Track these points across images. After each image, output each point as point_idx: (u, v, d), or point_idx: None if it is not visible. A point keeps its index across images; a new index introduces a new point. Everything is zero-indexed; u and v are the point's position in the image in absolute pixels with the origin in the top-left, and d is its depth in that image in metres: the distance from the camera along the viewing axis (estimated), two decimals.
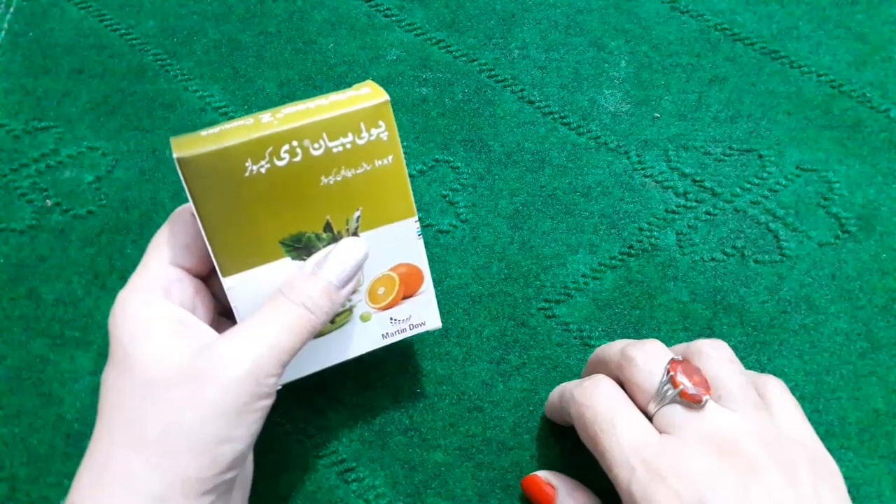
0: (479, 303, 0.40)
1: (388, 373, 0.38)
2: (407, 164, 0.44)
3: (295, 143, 0.29)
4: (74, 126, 0.46)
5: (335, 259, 0.30)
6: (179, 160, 0.28)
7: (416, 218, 0.32)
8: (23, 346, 0.39)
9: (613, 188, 0.43)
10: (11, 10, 0.51)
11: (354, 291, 0.32)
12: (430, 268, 0.41)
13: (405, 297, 0.33)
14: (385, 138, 0.30)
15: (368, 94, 0.30)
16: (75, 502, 0.26)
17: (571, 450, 0.35)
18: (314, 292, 0.29)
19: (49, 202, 0.43)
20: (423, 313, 0.34)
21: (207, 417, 0.26)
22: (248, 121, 0.29)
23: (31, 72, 0.48)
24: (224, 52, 0.49)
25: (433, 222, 0.42)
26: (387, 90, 0.47)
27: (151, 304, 0.28)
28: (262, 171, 0.29)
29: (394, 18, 0.51)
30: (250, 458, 0.32)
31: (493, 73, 0.48)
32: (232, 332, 0.28)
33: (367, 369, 0.38)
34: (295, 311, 0.29)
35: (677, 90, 0.47)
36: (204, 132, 0.29)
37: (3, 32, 0.50)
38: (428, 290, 0.34)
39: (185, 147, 0.28)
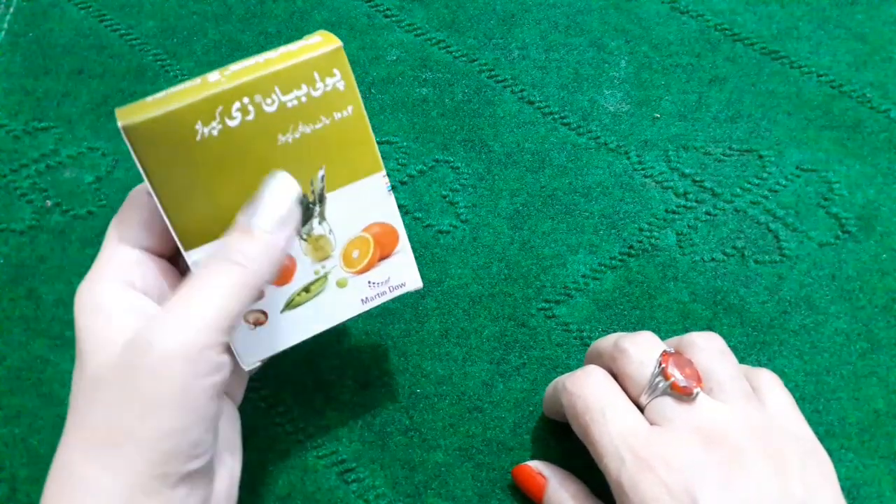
0: (479, 303, 0.40)
1: (388, 373, 0.38)
2: (407, 164, 0.44)
3: (246, 101, 0.27)
4: (74, 126, 0.46)
5: (264, 203, 0.27)
6: (125, 128, 0.26)
7: (384, 173, 0.30)
8: (23, 347, 0.39)
9: (613, 188, 0.43)
10: (11, 10, 0.51)
11: (327, 257, 0.30)
12: (431, 268, 0.41)
13: (381, 259, 0.31)
14: (342, 88, 0.28)
15: (319, 43, 0.29)
16: None
17: (572, 450, 0.35)
18: (243, 244, 0.26)
19: (49, 202, 0.43)
20: (402, 274, 0.32)
21: (145, 412, 0.24)
22: (195, 82, 0.28)
23: (31, 72, 0.48)
24: (224, 52, 0.49)
25: (433, 222, 0.42)
26: (387, 90, 0.48)
27: (107, 295, 0.27)
28: (214, 133, 0.27)
29: (394, 18, 0.51)
30: (237, 443, 0.31)
31: (493, 73, 0.48)
32: (161, 311, 0.26)
33: (366, 369, 0.38)
34: (226, 270, 0.26)
35: (677, 90, 0.47)
36: (150, 98, 0.27)
37: (3, 32, 0.50)
38: (405, 248, 0.32)
39: (129, 115, 0.26)
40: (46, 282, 0.40)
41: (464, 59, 0.49)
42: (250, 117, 0.27)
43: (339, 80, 0.28)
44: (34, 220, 0.43)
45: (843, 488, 0.32)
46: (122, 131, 0.26)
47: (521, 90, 0.47)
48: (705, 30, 0.50)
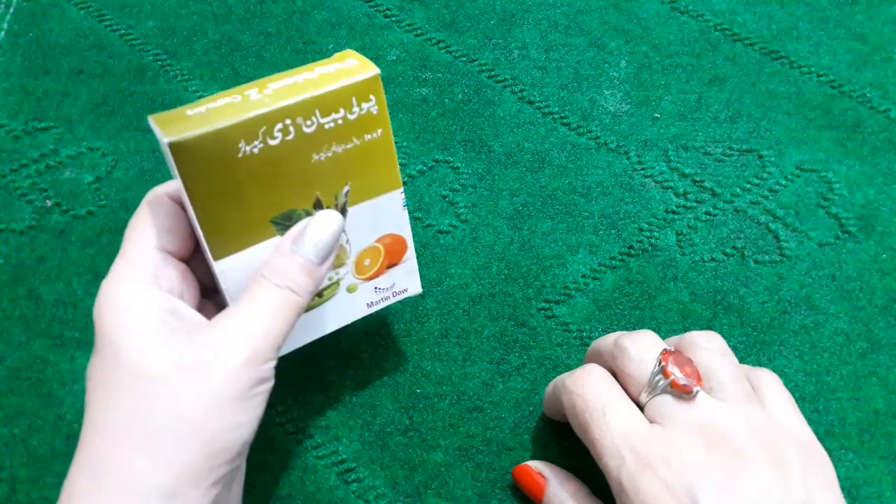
0: (479, 303, 0.40)
1: (388, 373, 0.38)
2: (407, 164, 0.44)
3: (288, 122, 0.28)
4: (74, 126, 0.46)
5: (312, 236, 0.29)
6: (172, 145, 0.26)
7: (402, 189, 0.32)
8: (23, 347, 0.39)
9: (613, 188, 0.43)
10: (11, 10, 0.51)
11: (341, 265, 0.32)
12: (431, 268, 0.41)
13: (389, 266, 0.34)
14: (375, 112, 0.30)
15: (357, 67, 0.30)
16: None
17: (571, 450, 0.35)
18: (296, 273, 0.29)
19: (49, 202, 0.43)
20: (405, 281, 0.34)
21: (214, 407, 0.26)
22: (235, 98, 0.28)
23: (31, 72, 0.48)
24: (224, 52, 0.49)
25: (433, 222, 0.42)
26: (387, 90, 0.47)
27: (139, 293, 0.28)
28: (255, 150, 0.28)
29: (394, 18, 0.51)
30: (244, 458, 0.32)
31: (493, 73, 0.48)
32: (224, 320, 0.28)
33: (367, 369, 0.38)
34: (281, 295, 0.28)
35: (677, 90, 0.47)
36: (189, 111, 0.28)
37: (3, 32, 0.50)
38: (411, 258, 0.34)
39: (172, 128, 0.27)
40: (46, 282, 0.40)
41: (464, 59, 0.49)
42: (290, 137, 0.28)
43: (374, 105, 0.30)
44: (34, 220, 0.43)
45: (843, 488, 0.32)
46: (167, 147, 0.26)
47: (521, 90, 0.47)
48: (705, 30, 0.50)
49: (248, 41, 0.50)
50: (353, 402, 0.37)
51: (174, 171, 0.27)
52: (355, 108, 0.29)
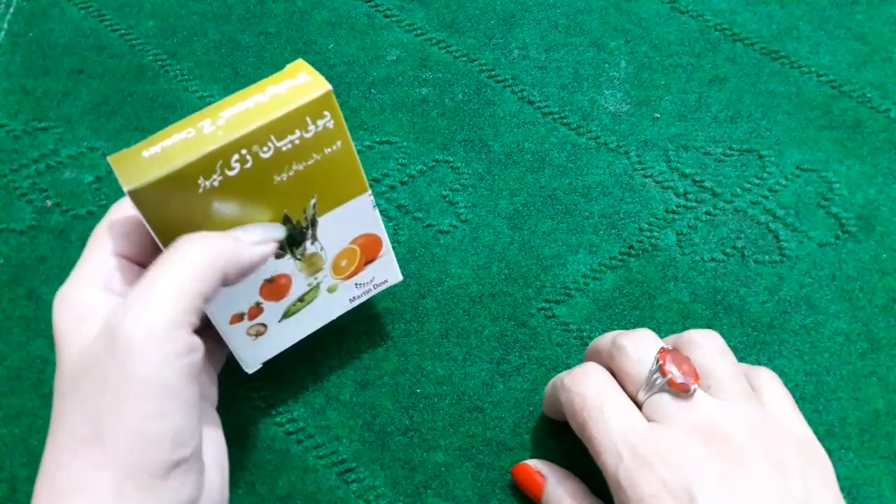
0: (479, 303, 0.40)
1: (388, 373, 0.38)
2: (407, 164, 0.44)
3: (244, 152, 0.28)
4: (74, 126, 0.46)
5: (252, 228, 0.29)
6: (131, 193, 0.26)
7: (370, 193, 0.32)
8: (23, 347, 0.39)
9: (613, 188, 0.43)
10: (11, 10, 0.51)
11: (318, 270, 0.33)
12: (431, 268, 0.41)
13: (367, 263, 0.34)
14: (331, 126, 0.30)
15: (309, 84, 0.29)
16: None
17: (571, 450, 0.35)
18: (224, 239, 0.28)
19: (49, 202, 0.43)
20: (384, 272, 0.35)
21: (121, 399, 0.24)
22: (188, 132, 0.28)
23: (31, 72, 0.48)
24: (224, 52, 0.49)
25: (433, 222, 0.42)
26: (387, 90, 0.48)
27: (87, 298, 0.28)
28: (216, 184, 0.28)
29: (394, 18, 0.51)
30: (219, 438, 0.30)
31: (493, 73, 0.48)
32: (126, 301, 0.26)
33: (366, 369, 0.38)
34: (195, 242, 0.27)
35: (677, 90, 0.47)
36: (145, 151, 0.28)
37: (3, 32, 0.50)
38: (387, 252, 0.35)
39: (130, 174, 0.27)
40: (46, 282, 0.40)
41: (464, 59, 0.49)
42: (248, 165, 0.28)
43: (329, 120, 0.29)
44: (34, 220, 0.43)
45: (842, 488, 0.33)
46: (127, 195, 0.27)
47: (521, 90, 0.47)
48: (705, 30, 0.50)
49: (248, 41, 0.50)
50: (353, 402, 0.37)
51: (139, 214, 0.27)
52: (311, 127, 0.29)
